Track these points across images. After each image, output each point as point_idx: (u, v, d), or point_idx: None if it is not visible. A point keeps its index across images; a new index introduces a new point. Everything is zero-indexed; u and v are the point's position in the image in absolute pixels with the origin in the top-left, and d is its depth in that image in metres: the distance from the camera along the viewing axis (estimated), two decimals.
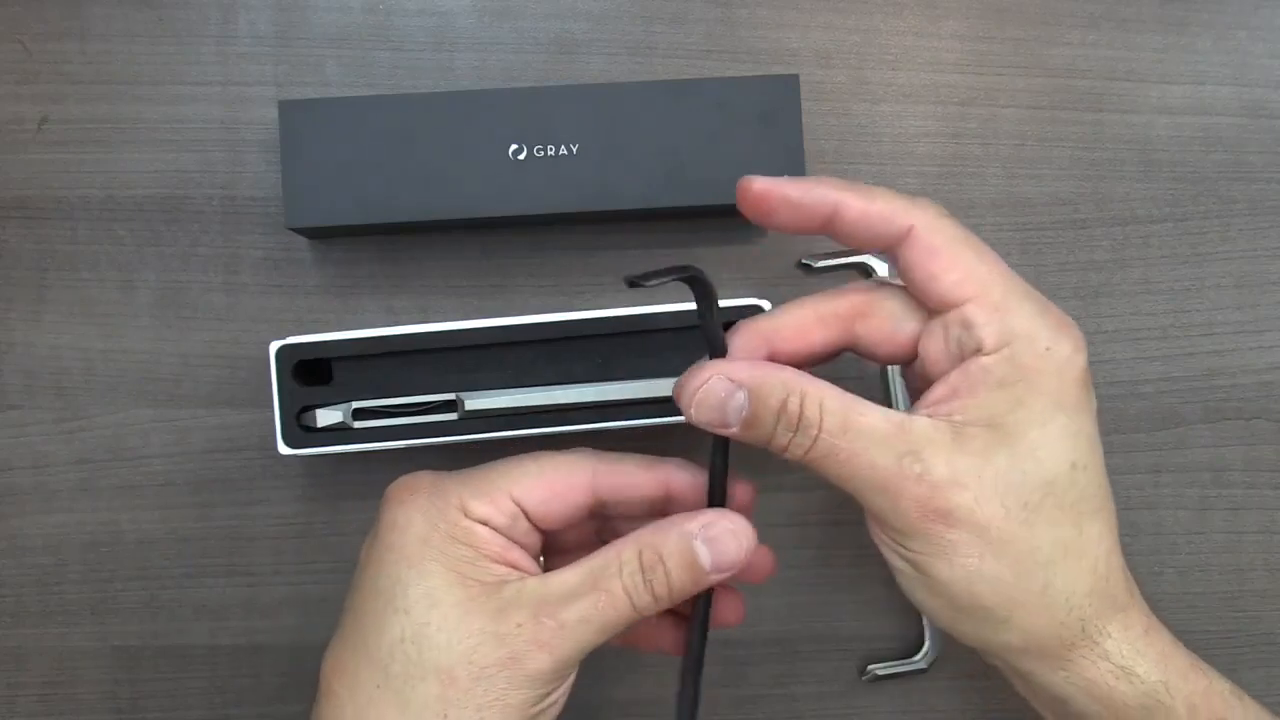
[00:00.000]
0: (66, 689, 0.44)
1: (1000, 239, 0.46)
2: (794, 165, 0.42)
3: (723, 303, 0.41)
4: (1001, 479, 0.30)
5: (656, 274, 0.29)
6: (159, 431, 0.44)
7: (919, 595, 0.32)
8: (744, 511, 0.34)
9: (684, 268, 0.30)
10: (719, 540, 0.32)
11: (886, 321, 0.33)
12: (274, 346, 0.40)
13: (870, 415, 0.30)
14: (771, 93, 0.42)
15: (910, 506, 0.30)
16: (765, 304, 0.41)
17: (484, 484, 0.33)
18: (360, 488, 0.45)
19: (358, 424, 0.40)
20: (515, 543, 0.33)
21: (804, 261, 0.45)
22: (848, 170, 0.46)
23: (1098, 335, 0.46)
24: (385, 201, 0.41)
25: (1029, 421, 0.30)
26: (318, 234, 0.44)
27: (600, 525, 0.37)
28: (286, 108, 0.41)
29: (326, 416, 0.40)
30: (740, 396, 0.31)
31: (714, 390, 0.31)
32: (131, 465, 0.44)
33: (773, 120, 0.42)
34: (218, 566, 0.45)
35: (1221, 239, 0.46)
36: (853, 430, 0.30)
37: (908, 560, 0.31)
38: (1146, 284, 0.46)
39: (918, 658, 0.44)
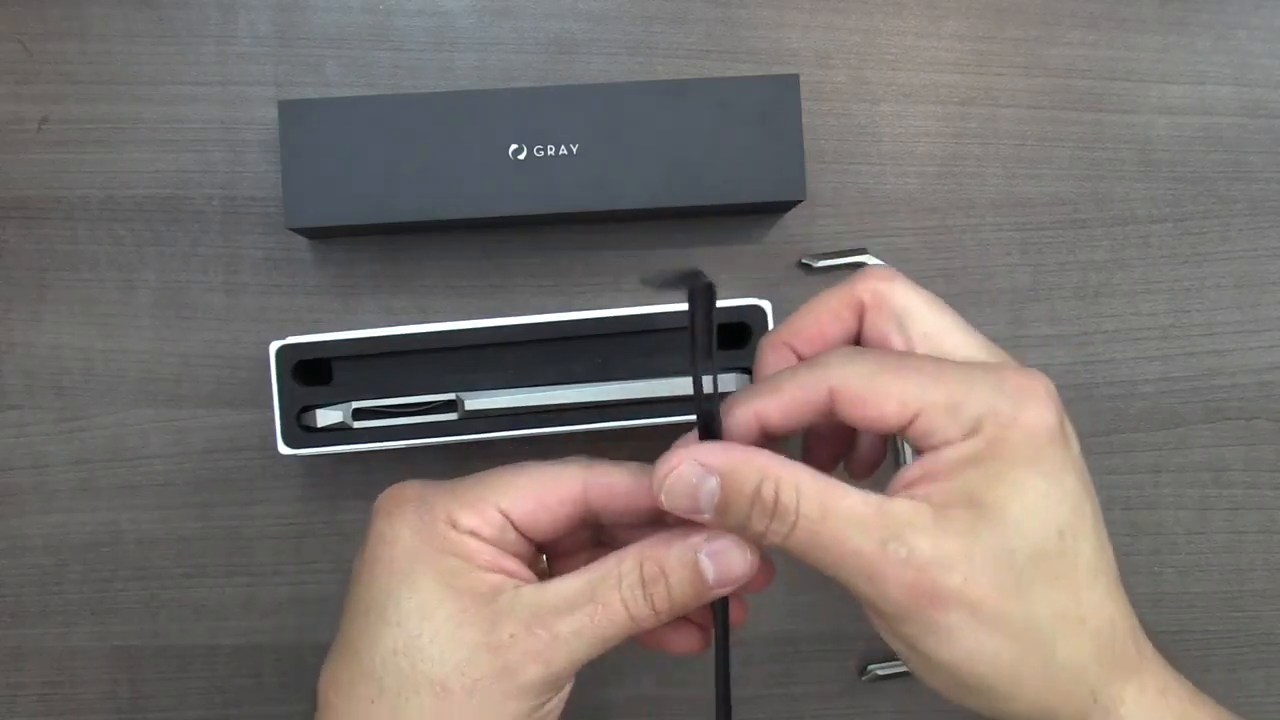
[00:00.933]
0: (66, 689, 0.44)
1: (1000, 239, 0.46)
2: (794, 165, 0.42)
3: (723, 303, 0.41)
4: (989, 556, 0.29)
5: (668, 280, 0.29)
6: (159, 431, 0.44)
7: (923, 676, 0.32)
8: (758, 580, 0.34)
9: (694, 275, 0.29)
10: (724, 554, 0.32)
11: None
12: (274, 346, 0.40)
13: (849, 499, 0.29)
14: (771, 93, 0.42)
15: (898, 591, 0.29)
16: (765, 304, 0.41)
17: (471, 495, 0.32)
18: (360, 488, 0.45)
19: (358, 424, 0.40)
20: (507, 551, 0.33)
21: (804, 261, 0.45)
22: (848, 170, 0.46)
23: (1098, 335, 0.46)
24: (385, 201, 0.41)
25: (1009, 496, 0.29)
26: (318, 234, 0.44)
27: (596, 533, 0.37)
28: (286, 108, 0.41)
29: (326, 416, 0.40)
30: (712, 483, 0.30)
31: (685, 476, 0.30)
32: (131, 465, 0.44)
33: (773, 120, 0.42)
34: (218, 566, 0.45)
35: (1221, 239, 0.46)
36: (832, 515, 0.29)
37: (904, 644, 0.31)
38: (1146, 284, 0.46)
39: None
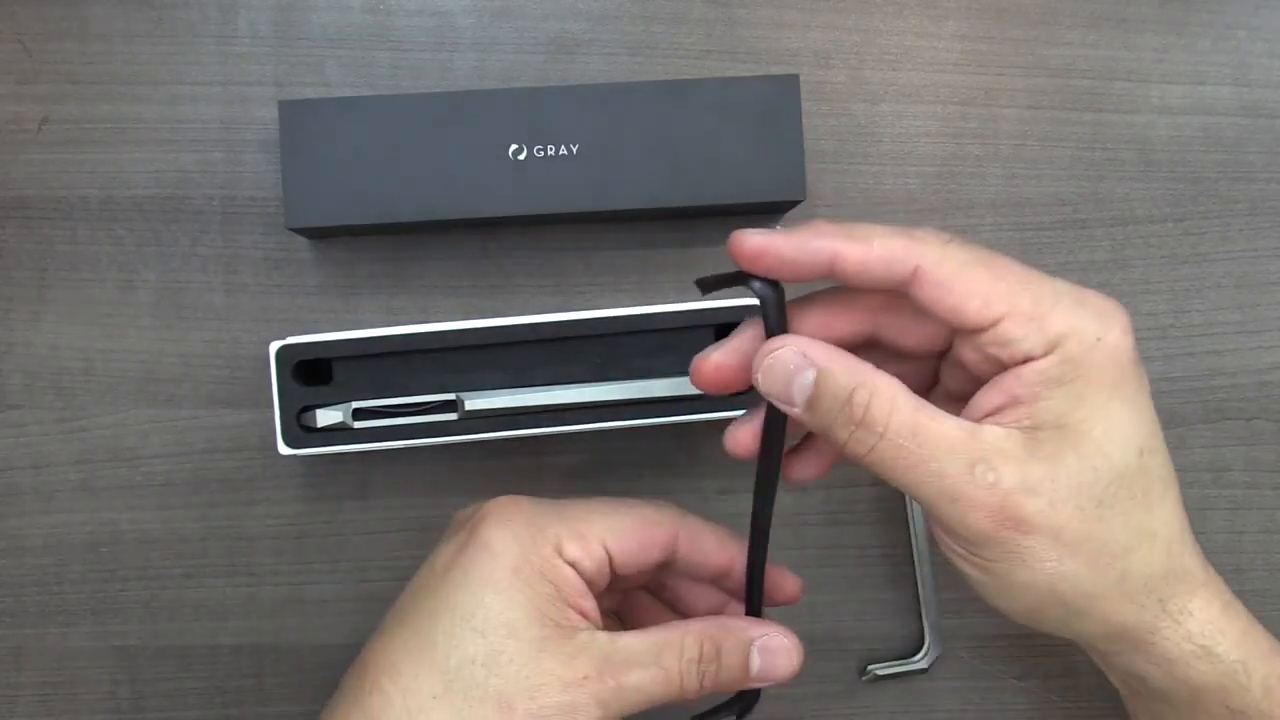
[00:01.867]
0: (66, 689, 0.44)
1: (1000, 239, 0.46)
2: (794, 165, 0.42)
3: (722, 303, 0.41)
4: (1074, 480, 0.29)
5: (723, 281, 0.30)
6: (159, 431, 0.44)
7: (996, 600, 0.32)
8: (790, 600, 0.37)
9: (740, 276, 0.30)
10: (774, 654, 0.34)
11: (912, 317, 0.31)
12: (274, 346, 0.40)
13: (944, 422, 0.29)
14: (771, 93, 0.42)
15: (982, 516, 0.29)
16: None
17: (582, 526, 0.33)
18: (360, 488, 0.45)
19: (358, 424, 0.40)
20: (590, 590, 0.34)
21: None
22: (848, 170, 0.46)
23: None
24: (385, 201, 0.41)
25: (1093, 418, 0.29)
26: (318, 234, 0.44)
27: (652, 575, 0.37)
28: (286, 108, 0.41)
29: (326, 416, 0.40)
30: (809, 375, 0.30)
31: (785, 361, 0.30)
32: (131, 465, 0.44)
33: (773, 120, 0.42)
34: (218, 566, 0.45)
35: (1221, 239, 0.46)
36: (923, 435, 0.29)
37: (981, 569, 0.31)
38: (1146, 284, 0.46)
39: (918, 658, 0.45)
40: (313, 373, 0.41)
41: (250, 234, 0.45)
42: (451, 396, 0.40)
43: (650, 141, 0.41)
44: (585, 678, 0.31)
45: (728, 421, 0.43)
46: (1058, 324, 0.29)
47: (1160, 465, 0.31)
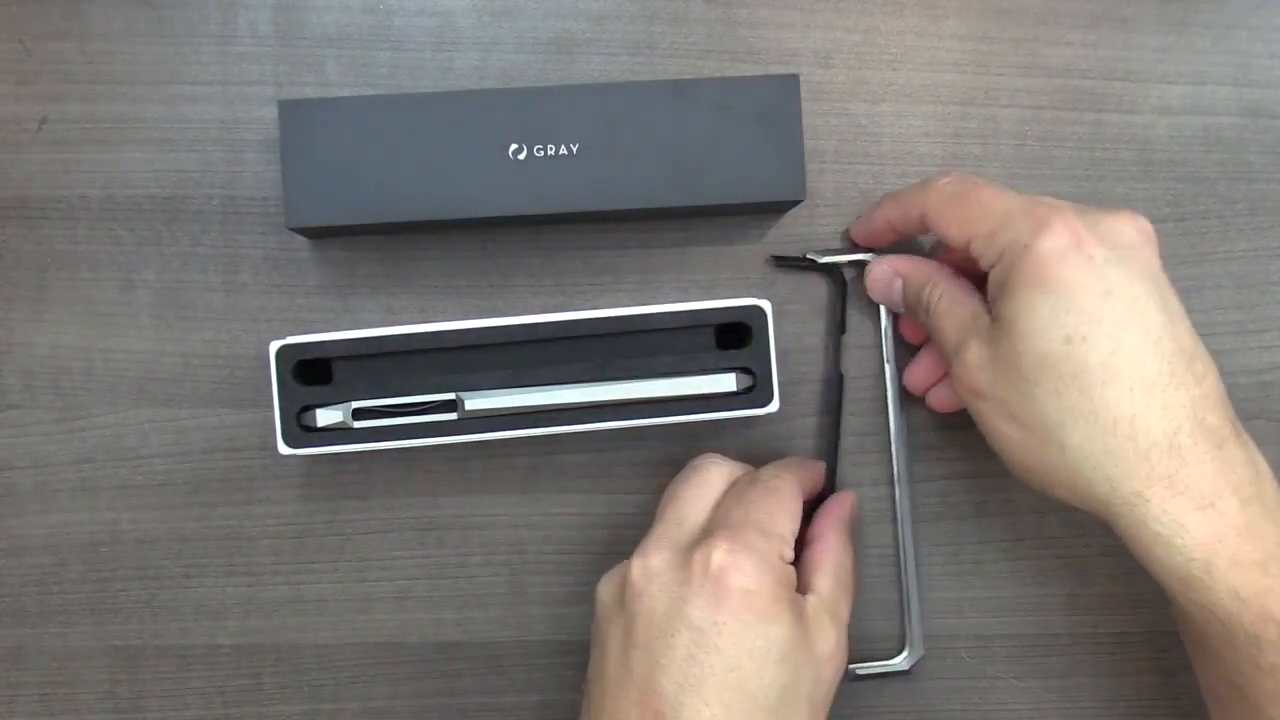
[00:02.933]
0: (66, 689, 0.44)
1: None
2: (793, 165, 0.42)
3: (722, 303, 0.41)
4: (1006, 360, 0.36)
5: (799, 265, 0.45)
6: (159, 431, 0.44)
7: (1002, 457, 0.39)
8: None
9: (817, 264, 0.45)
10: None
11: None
12: (274, 346, 0.40)
13: (965, 308, 0.39)
14: (771, 93, 0.42)
15: (958, 382, 0.38)
16: (765, 304, 0.41)
17: (780, 528, 0.38)
18: (360, 488, 0.45)
19: (358, 424, 0.40)
20: None
21: (809, 256, 0.45)
22: (847, 170, 0.46)
23: None
24: (385, 201, 0.41)
25: (1019, 310, 0.35)
26: (318, 234, 0.44)
27: None
28: (286, 108, 0.41)
29: (326, 416, 0.40)
30: (899, 282, 0.43)
31: (883, 274, 0.43)
32: (131, 465, 0.44)
33: (773, 120, 0.41)
34: (218, 566, 0.45)
35: (1221, 239, 0.46)
36: (947, 314, 0.39)
37: (978, 423, 0.39)
38: None
39: (898, 660, 0.45)
40: (313, 373, 0.41)
41: (250, 234, 0.45)
42: (451, 396, 0.40)
43: (650, 141, 0.41)
44: (837, 641, 0.37)
45: (728, 422, 0.44)
46: (1002, 239, 0.36)
47: (1099, 353, 0.34)
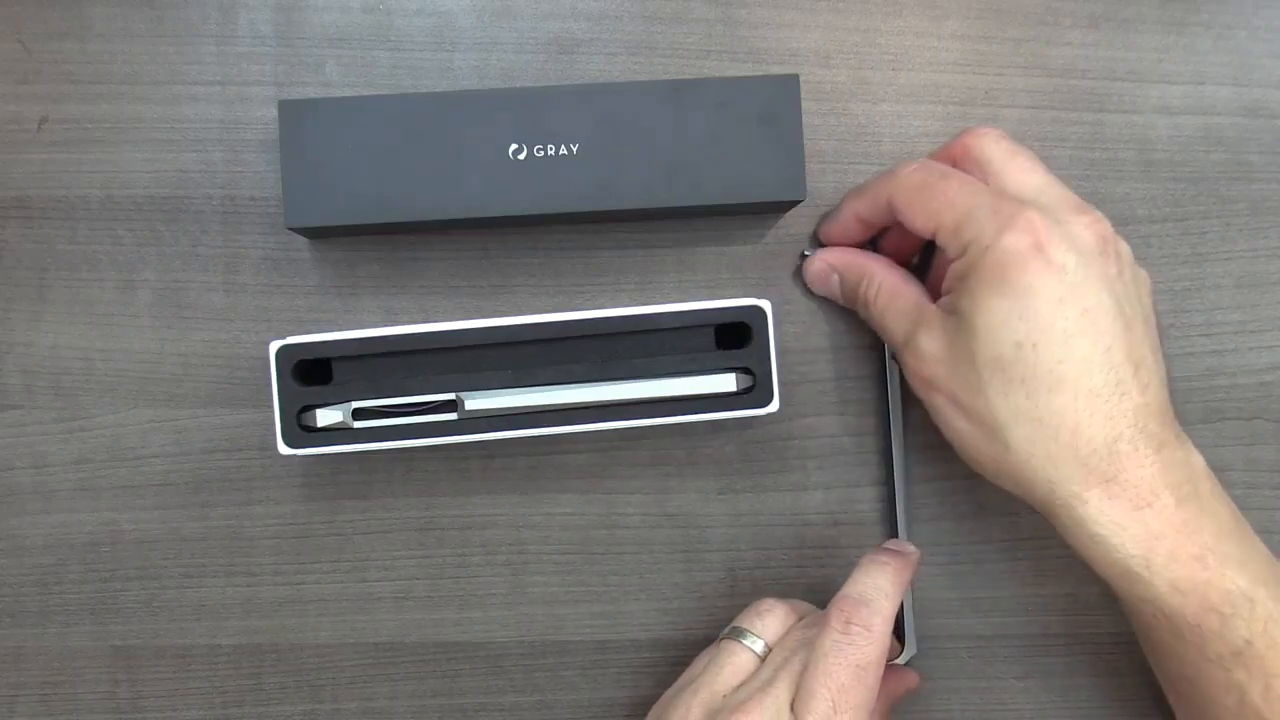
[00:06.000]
0: (66, 689, 0.44)
1: None
2: (794, 165, 0.42)
3: (722, 303, 0.41)
4: (957, 357, 0.37)
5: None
6: (159, 431, 0.44)
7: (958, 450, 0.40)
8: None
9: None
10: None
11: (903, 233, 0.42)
12: (274, 346, 0.40)
13: (908, 297, 0.40)
14: (771, 93, 0.42)
15: (911, 373, 0.39)
16: (765, 304, 0.41)
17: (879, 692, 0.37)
18: (360, 488, 0.45)
19: (358, 424, 0.40)
20: None
21: (806, 254, 0.45)
22: (848, 170, 0.46)
23: None
24: (385, 201, 0.41)
25: (976, 309, 0.36)
26: (318, 234, 0.44)
27: None
28: (286, 108, 0.41)
29: (326, 416, 0.40)
30: (835, 277, 0.43)
31: (819, 270, 0.44)
32: (131, 465, 0.44)
33: (773, 120, 0.41)
34: (218, 566, 0.45)
35: (1221, 239, 0.46)
36: (888, 308, 0.40)
37: (932, 416, 0.39)
38: None
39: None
40: (312, 373, 0.41)
41: (250, 234, 0.45)
42: (451, 396, 0.40)
43: (650, 141, 0.41)
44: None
45: (728, 422, 0.44)
46: (966, 233, 0.36)
47: (1050, 360, 0.35)
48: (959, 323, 0.37)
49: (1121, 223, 0.46)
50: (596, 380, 0.41)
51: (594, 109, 0.41)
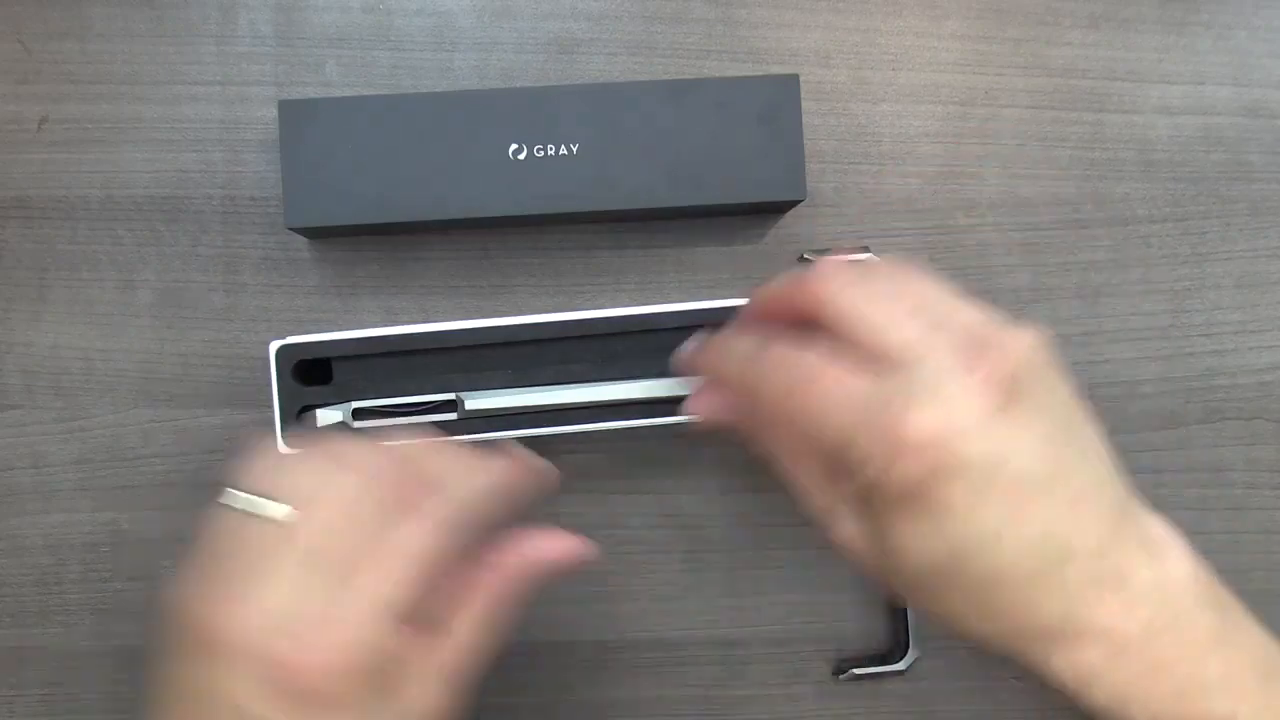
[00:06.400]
0: (67, 689, 0.44)
1: (1000, 239, 0.46)
2: (794, 165, 0.42)
3: (722, 303, 0.41)
4: (886, 556, 0.33)
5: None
6: (159, 431, 0.44)
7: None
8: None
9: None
10: None
11: None
12: (274, 346, 0.40)
13: (812, 463, 0.35)
14: (771, 93, 0.42)
15: (836, 548, 0.35)
16: None
17: None
18: None
19: (358, 424, 0.40)
20: None
21: (805, 256, 0.45)
22: (848, 170, 0.46)
23: (1098, 335, 0.46)
24: (385, 201, 0.41)
25: (885, 531, 0.32)
26: (318, 234, 0.44)
27: None
28: (286, 108, 0.41)
29: (326, 416, 0.40)
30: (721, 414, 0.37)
31: (696, 405, 0.38)
32: (131, 465, 0.44)
33: (773, 120, 0.41)
34: None
35: (1221, 239, 0.46)
36: (798, 472, 0.36)
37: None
38: (1146, 284, 0.46)
39: (899, 661, 0.44)
40: (313, 373, 0.41)
41: (250, 234, 0.45)
42: (451, 396, 0.40)
43: (650, 141, 0.41)
44: None
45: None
46: (852, 458, 0.31)
47: (979, 569, 0.31)
48: (877, 535, 0.33)
49: (1121, 223, 0.46)
50: (596, 380, 0.41)
51: (594, 109, 0.41)
